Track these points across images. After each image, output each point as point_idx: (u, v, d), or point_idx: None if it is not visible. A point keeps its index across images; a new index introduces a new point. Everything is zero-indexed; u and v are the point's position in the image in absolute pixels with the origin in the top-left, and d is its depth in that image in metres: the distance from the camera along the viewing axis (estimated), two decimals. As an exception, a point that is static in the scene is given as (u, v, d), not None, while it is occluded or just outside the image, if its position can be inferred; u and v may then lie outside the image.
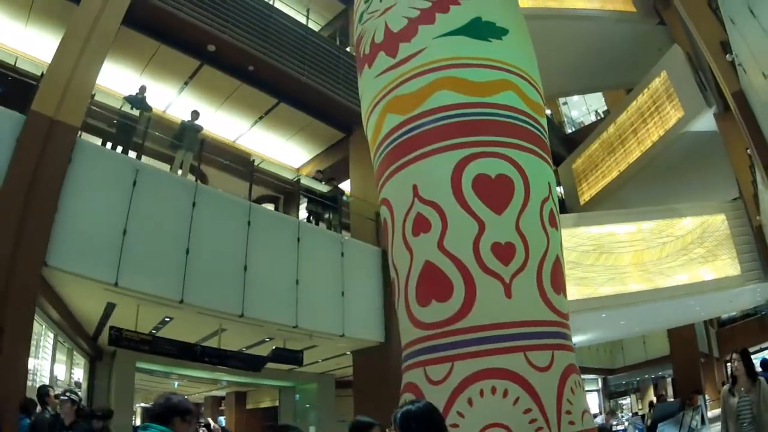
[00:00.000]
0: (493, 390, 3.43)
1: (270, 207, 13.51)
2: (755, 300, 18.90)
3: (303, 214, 12.46)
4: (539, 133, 4.55)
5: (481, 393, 3.43)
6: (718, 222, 15.68)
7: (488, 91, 4.34)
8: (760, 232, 14.64)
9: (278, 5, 14.28)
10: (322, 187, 12.49)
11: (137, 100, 9.49)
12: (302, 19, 14.86)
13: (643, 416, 16.22)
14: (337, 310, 10.21)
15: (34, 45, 10.81)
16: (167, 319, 9.30)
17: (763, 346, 24.76)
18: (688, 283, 15.20)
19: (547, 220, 4.16)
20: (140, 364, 11.41)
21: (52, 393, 6.27)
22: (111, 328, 7.92)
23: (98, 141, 8.80)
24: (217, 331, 9.46)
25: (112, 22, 8.83)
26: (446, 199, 3.97)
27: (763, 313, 22.37)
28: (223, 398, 20.61)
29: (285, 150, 15.56)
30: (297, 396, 16.61)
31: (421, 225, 4.03)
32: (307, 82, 12.59)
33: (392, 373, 10.98)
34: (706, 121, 15.90)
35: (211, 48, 11.50)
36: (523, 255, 3.86)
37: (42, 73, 8.12)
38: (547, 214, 4.20)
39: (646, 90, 18.20)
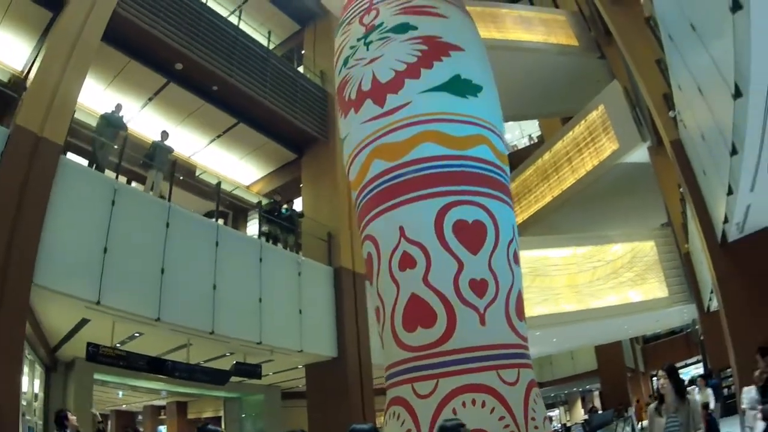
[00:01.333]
0: (473, 402, 4.16)
1: (219, 222, 13.90)
2: (682, 320, 20.29)
3: (251, 230, 12.94)
4: (505, 181, 5.27)
5: (464, 404, 4.15)
6: (648, 248, 16.91)
7: (466, 145, 5.02)
8: (688, 259, 15.88)
9: (242, 26, 14.68)
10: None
11: (115, 119, 9.76)
12: (263, 40, 15.29)
13: (582, 425, 17.21)
14: (295, 327, 10.89)
15: (4, 51, 10.71)
16: (137, 334, 9.64)
17: (689, 362, 26.28)
18: (618, 304, 16.38)
19: (512, 259, 4.89)
20: (98, 376, 11.63)
21: (71, 416, 6.49)
22: (89, 344, 8.27)
23: (75, 158, 9.06)
24: (182, 345, 9.93)
25: (93, 38, 9.11)
26: (430, 240, 4.62)
27: (689, 330, 23.59)
28: (163, 407, 20.63)
29: (238, 167, 16.00)
30: (242, 407, 16.94)
31: (407, 262, 4.66)
32: (267, 105, 13.08)
33: (345, 386, 11.73)
34: (639, 154, 16.98)
35: (179, 66, 11.86)
36: (494, 289, 4.57)
37: (10, 80, 8.27)
38: (512, 253, 4.93)
39: (583, 121, 19.20)
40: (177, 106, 13.08)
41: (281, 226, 12.34)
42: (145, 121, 13.06)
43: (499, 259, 4.71)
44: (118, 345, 9.73)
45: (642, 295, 16.57)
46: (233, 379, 12.42)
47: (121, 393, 16.22)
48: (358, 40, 6.01)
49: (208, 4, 13.09)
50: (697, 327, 17.48)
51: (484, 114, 5.37)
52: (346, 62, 6.14)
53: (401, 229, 4.79)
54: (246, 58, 12.86)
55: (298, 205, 14.72)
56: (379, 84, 5.53)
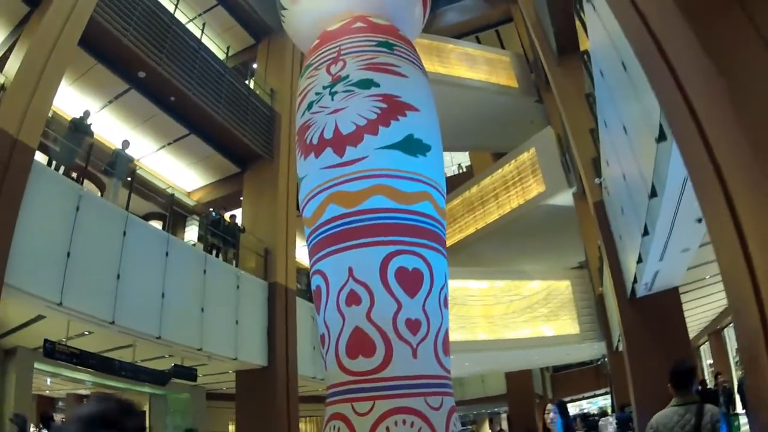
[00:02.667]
0: (404, 422, 4.87)
1: (158, 225, 14.25)
2: (591, 354, 21.73)
3: (189, 235, 13.43)
4: (442, 234, 6.04)
5: (396, 423, 4.85)
6: (563, 287, 18.16)
7: (412, 200, 5.76)
8: (601, 300, 17.18)
9: (199, 34, 15.13)
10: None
11: (83, 126, 10.09)
12: (216, 49, 15.75)
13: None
14: (231, 336, 11.56)
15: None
16: (86, 333, 9.99)
17: (598, 392, 27.77)
18: (531, 336, 17.54)
19: (442, 303, 5.66)
20: (38, 365, 11.90)
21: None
22: (46, 341, 8.65)
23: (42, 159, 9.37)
24: (128, 345, 10.38)
25: (70, 43, 9.50)
26: (375, 282, 5.33)
27: (600, 362, 24.83)
28: (86, 397, 20.49)
29: (182, 174, 16.36)
30: (168, 404, 17.25)
31: (353, 299, 5.36)
32: (219, 120, 13.63)
33: (273, 393, 12.38)
34: (564, 198, 18.25)
35: (142, 75, 12.33)
36: (426, 328, 5.32)
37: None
38: (443, 298, 5.70)
39: (514, 161, 20.41)
40: (134, 112, 13.51)
41: (224, 239, 12.87)
42: (102, 122, 13.30)
43: (431, 303, 5.47)
44: (63, 340, 10.07)
45: (554, 330, 17.74)
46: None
47: (49, 380, 16.28)
48: (324, 87, 6.53)
49: (176, 14, 13.50)
50: (606, 360, 18.77)
51: (430, 172, 6.13)
52: (310, 106, 6.68)
53: (350, 269, 5.48)
54: (204, 73, 13.37)
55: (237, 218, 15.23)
56: (340, 135, 6.16)
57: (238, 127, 14.25)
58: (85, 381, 16.31)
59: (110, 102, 13.29)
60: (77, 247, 8.52)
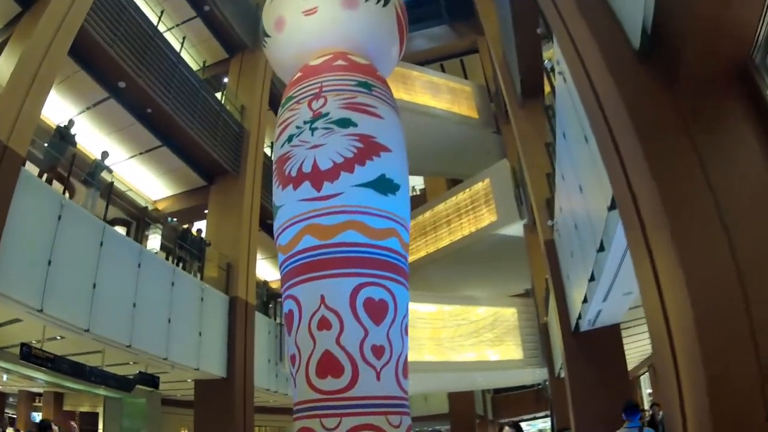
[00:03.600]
0: None
1: (122, 230, 14.50)
2: (533, 379, 22.53)
3: (152, 243, 13.75)
4: (406, 268, 6.64)
5: (361, 438, 5.38)
6: (509, 314, 18.93)
7: (381, 236, 6.36)
8: (546, 329, 17.98)
9: (176, 44, 15.51)
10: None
11: (68, 135, 10.35)
12: (190, 60, 16.12)
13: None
14: (195, 346, 11.95)
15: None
16: (58, 338, 10.25)
17: (538, 415, 28.57)
18: (476, 360, 18.24)
19: (404, 331, 6.26)
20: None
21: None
22: (22, 344, 8.92)
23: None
24: (97, 351, 10.62)
25: (61, 51, 9.75)
26: (345, 310, 5.89)
27: (540, 387, 25.66)
28: (39, 395, 20.34)
29: (149, 183, 16.63)
30: (123, 407, 17.39)
31: (324, 324, 5.91)
32: (192, 134, 14.03)
33: (231, 403, 12.82)
34: (515, 228, 18.99)
35: (122, 85, 12.68)
36: (389, 354, 5.91)
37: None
38: (404, 326, 6.30)
39: (468, 190, 21.09)
40: (110, 120, 13.81)
41: (190, 252, 13.26)
42: (78, 128, 13.44)
43: (394, 331, 6.07)
44: (33, 342, 10.25)
45: (499, 355, 18.47)
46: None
47: (6, 377, 16.23)
48: (305, 122, 7.03)
49: (158, 25, 13.89)
50: (547, 384, 19.59)
51: (399, 210, 6.73)
52: (290, 139, 7.15)
53: (322, 297, 6.03)
54: (181, 87, 13.79)
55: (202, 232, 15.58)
56: (318, 170, 6.68)
57: (208, 142, 14.66)
58: (37, 379, 16.33)
59: (88, 108, 13.50)
60: (58, 255, 8.81)
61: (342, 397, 5.66)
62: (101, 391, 16.17)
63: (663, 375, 6.12)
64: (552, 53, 10.11)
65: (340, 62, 7.57)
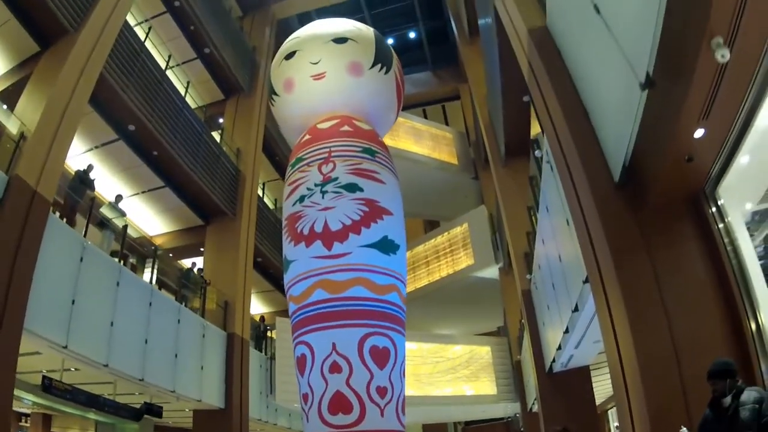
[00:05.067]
0: None
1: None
2: (506, 413, 23.38)
3: (147, 276, 14.50)
4: (404, 318, 7.64)
5: (366, 462, 6.34)
6: (484, 352, 19.82)
7: (384, 291, 7.34)
8: (519, 366, 18.94)
9: (177, 82, 16.40)
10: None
11: (88, 180, 11.06)
12: (189, 98, 17.01)
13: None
14: (197, 379, 12.72)
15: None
16: (73, 369, 10.97)
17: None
18: (453, 395, 19.10)
19: (402, 373, 7.26)
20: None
21: None
22: (44, 377, 9.59)
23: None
24: (107, 382, 11.34)
25: (83, 97, 10.28)
26: (353, 355, 6.84)
27: (510, 419, 26.46)
28: (27, 415, 20.49)
29: (148, 220, 17.34)
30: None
31: (335, 368, 6.85)
32: (194, 177, 14.91)
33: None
34: (491, 271, 19.84)
35: (131, 128, 13.28)
36: (390, 393, 6.88)
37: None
38: (403, 369, 7.30)
39: (446, 233, 21.94)
40: (117, 160, 14.45)
41: (192, 291, 14.15)
42: (83, 162, 14.06)
43: (395, 374, 7.06)
44: (44, 371, 10.89)
45: (474, 390, 19.35)
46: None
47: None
48: (316, 185, 7.89)
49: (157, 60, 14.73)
50: (518, 417, 20.49)
51: (398, 267, 7.71)
52: (302, 199, 7.91)
53: (334, 344, 6.96)
54: (186, 131, 14.63)
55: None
56: (329, 231, 7.54)
57: (208, 185, 15.48)
58: (23, 399, 16.64)
59: (96, 147, 14.05)
60: (80, 295, 9.43)
61: (351, 431, 6.62)
62: (92, 415, 16.62)
63: (619, 408, 7.76)
64: (539, 133, 11.27)
65: (346, 128, 8.45)
